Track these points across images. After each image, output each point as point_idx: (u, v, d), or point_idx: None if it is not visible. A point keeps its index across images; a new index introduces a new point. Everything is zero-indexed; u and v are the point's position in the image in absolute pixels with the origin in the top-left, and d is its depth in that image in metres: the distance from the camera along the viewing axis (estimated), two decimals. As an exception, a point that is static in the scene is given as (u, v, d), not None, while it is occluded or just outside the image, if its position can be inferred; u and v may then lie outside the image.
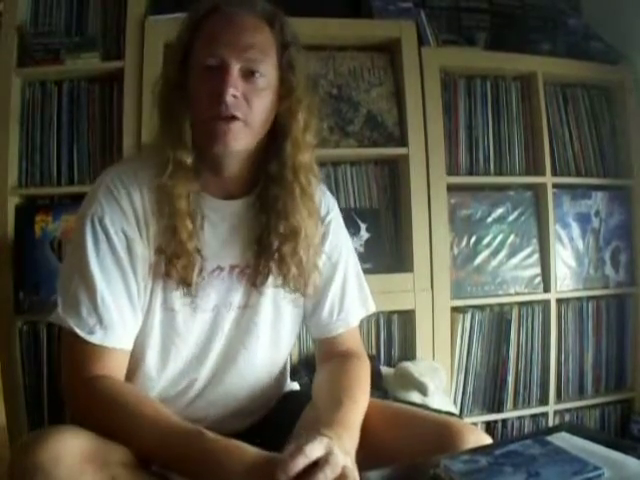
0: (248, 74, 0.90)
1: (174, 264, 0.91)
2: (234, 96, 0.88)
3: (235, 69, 0.88)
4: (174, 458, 0.80)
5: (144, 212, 0.92)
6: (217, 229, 0.97)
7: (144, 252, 0.92)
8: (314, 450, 0.73)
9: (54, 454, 0.72)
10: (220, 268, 0.98)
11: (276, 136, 0.96)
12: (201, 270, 0.94)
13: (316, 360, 1.14)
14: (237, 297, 1.00)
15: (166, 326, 0.97)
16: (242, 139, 0.90)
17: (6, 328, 1.63)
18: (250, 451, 0.77)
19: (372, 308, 1.13)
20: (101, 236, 0.90)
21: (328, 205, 1.09)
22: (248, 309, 1.01)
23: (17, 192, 1.69)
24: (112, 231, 0.90)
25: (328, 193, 1.13)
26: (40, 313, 1.62)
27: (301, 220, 0.96)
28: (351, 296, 1.09)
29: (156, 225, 0.92)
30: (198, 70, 0.90)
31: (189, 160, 0.91)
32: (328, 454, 0.73)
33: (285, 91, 0.94)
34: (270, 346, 1.05)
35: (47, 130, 1.72)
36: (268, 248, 0.96)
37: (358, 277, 1.12)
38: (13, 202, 1.68)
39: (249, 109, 0.90)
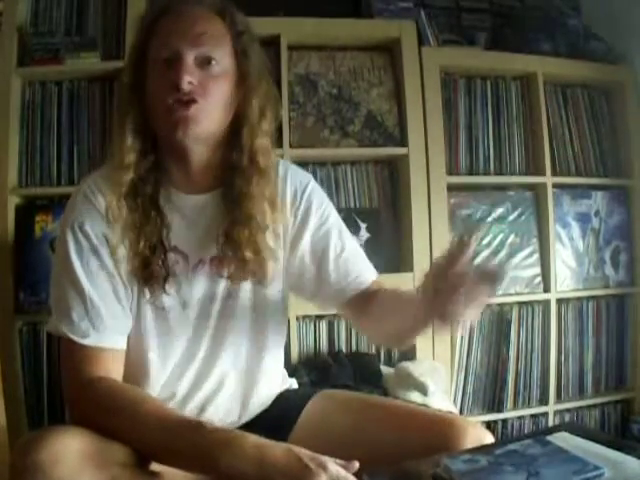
0: (204, 62, 0.92)
1: (142, 263, 0.93)
2: (190, 83, 0.90)
3: (189, 58, 0.91)
4: (176, 453, 0.80)
5: (121, 215, 0.94)
6: (190, 224, 0.99)
7: (124, 253, 0.94)
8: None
9: (54, 453, 0.73)
10: (202, 262, 1.00)
11: (235, 125, 0.98)
12: (176, 265, 0.97)
13: (353, 316, 1.12)
14: (220, 288, 1.01)
15: (160, 325, 0.98)
16: (202, 122, 0.92)
17: (6, 328, 1.63)
18: (249, 439, 0.78)
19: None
20: (84, 242, 0.92)
21: (303, 181, 1.09)
22: (231, 299, 1.02)
23: (17, 192, 1.69)
24: (93, 236, 0.92)
25: (298, 170, 1.12)
26: (40, 313, 1.63)
27: (255, 207, 0.97)
28: (355, 257, 1.09)
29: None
30: (154, 66, 0.93)
31: (130, 158, 0.93)
32: None
33: (241, 79, 0.97)
34: (256, 334, 1.06)
35: (47, 130, 1.72)
36: (229, 238, 0.98)
37: (357, 247, 1.13)
38: (13, 202, 1.68)
39: (206, 95, 0.92)
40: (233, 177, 0.98)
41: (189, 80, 0.90)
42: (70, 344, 0.89)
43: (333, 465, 0.74)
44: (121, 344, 0.94)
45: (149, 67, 0.94)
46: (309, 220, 1.07)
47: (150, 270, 0.93)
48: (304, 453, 0.76)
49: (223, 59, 0.94)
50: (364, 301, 1.07)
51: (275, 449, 0.77)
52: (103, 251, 0.93)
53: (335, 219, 1.11)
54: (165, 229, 0.96)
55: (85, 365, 0.88)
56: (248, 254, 0.97)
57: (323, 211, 1.09)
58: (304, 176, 1.11)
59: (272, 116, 1.01)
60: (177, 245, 0.97)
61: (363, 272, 1.09)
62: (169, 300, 0.97)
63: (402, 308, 0.97)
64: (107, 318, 0.91)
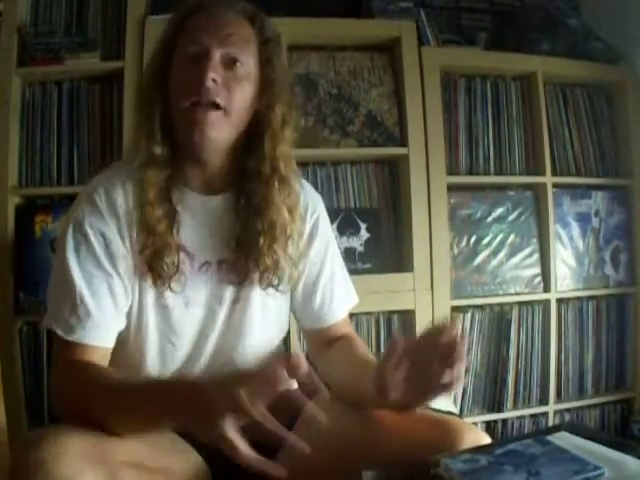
0: (229, 63, 0.92)
1: (152, 257, 0.93)
2: (214, 80, 0.90)
3: (216, 55, 0.91)
4: (152, 407, 0.81)
5: (127, 214, 0.94)
6: (199, 224, 0.99)
7: (125, 253, 0.94)
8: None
9: (55, 452, 0.73)
10: (208, 263, 1.00)
11: (256, 132, 0.98)
12: (186, 264, 0.97)
13: (311, 348, 1.18)
14: (228, 292, 1.01)
15: (162, 324, 0.98)
16: (220, 128, 0.92)
17: (6, 328, 1.63)
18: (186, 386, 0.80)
19: (355, 300, 1.17)
20: (80, 240, 0.93)
21: (315, 202, 1.12)
22: (239, 304, 1.02)
23: (17, 192, 1.69)
24: (91, 234, 0.93)
25: (311, 189, 1.14)
26: (40, 313, 1.60)
27: (278, 215, 0.98)
28: (339, 288, 1.13)
29: (138, 223, 0.94)
30: (180, 60, 0.93)
31: (159, 150, 0.93)
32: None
33: (264, 85, 0.97)
34: (261, 339, 1.07)
35: (47, 130, 1.72)
36: (245, 245, 0.98)
37: (342, 270, 1.16)
38: (13, 202, 1.68)
39: (229, 97, 0.92)
40: (252, 184, 0.98)
41: (213, 77, 0.90)
42: (58, 338, 0.91)
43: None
44: (107, 342, 0.94)
45: (174, 62, 0.94)
46: (315, 239, 1.09)
47: (160, 265, 0.93)
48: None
49: (248, 62, 0.95)
50: (329, 340, 1.11)
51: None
52: (99, 250, 0.93)
53: (334, 244, 1.15)
54: (176, 226, 0.96)
55: (66, 360, 0.90)
56: (268, 262, 0.98)
57: (328, 235, 1.12)
58: (315, 195, 1.14)
59: (293, 124, 1.00)
60: (185, 244, 0.97)
61: (340, 305, 1.13)
62: (172, 299, 0.97)
63: (353, 372, 1.00)
64: (96, 316, 0.91)
